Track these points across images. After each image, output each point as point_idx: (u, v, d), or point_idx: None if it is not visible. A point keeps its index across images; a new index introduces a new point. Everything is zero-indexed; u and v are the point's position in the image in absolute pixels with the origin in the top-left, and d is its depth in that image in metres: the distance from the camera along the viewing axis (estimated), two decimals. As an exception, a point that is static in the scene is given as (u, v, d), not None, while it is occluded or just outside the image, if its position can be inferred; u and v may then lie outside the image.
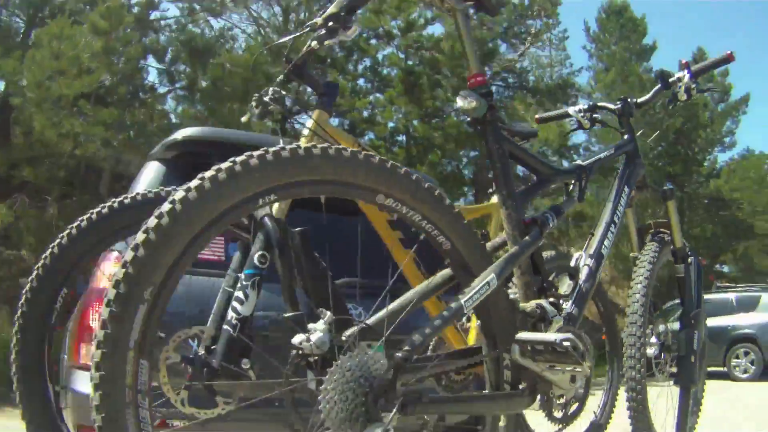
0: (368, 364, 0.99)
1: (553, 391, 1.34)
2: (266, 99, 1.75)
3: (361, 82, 15.84)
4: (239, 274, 1.52)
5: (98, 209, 1.57)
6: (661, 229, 2.22)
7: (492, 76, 17.25)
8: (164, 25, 11.59)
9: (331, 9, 1.54)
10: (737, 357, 10.67)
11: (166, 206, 0.94)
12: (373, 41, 15.91)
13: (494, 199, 2.40)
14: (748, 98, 20.73)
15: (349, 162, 1.05)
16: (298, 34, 1.69)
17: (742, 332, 10.61)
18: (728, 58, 2.06)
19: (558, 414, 1.56)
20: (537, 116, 2.56)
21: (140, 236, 0.92)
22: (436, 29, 15.64)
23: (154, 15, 11.49)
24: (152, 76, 11.92)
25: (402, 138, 15.34)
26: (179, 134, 2.51)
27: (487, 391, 1.27)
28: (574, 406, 1.58)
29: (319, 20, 1.57)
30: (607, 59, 20.73)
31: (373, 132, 14.45)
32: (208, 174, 0.98)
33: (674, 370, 2.11)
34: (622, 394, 2.03)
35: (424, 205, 1.13)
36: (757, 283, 14.14)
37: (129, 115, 10.50)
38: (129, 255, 0.91)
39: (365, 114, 14.74)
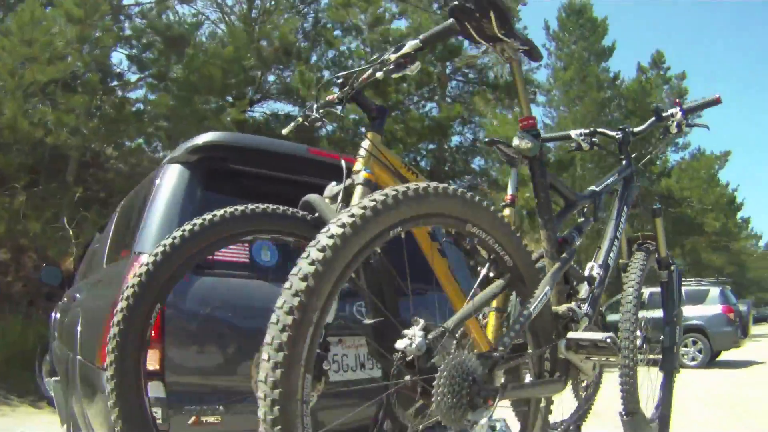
0: (467, 362, 1.26)
1: (580, 378, 1.67)
2: (317, 115, 1.92)
3: (326, 74, 15.74)
4: None
5: (189, 226, 1.59)
6: (648, 241, 2.57)
7: (453, 71, 17.54)
8: (137, 12, 11.42)
9: (406, 49, 1.68)
10: (686, 346, 11.36)
11: (327, 240, 1.09)
12: (337, 33, 15.94)
13: (506, 211, 2.69)
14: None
15: (451, 197, 1.30)
16: (367, 66, 1.81)
17: (691, 323, 11.23)
18: (716, 101, 2.40)
19: (582, 395, 1.90)
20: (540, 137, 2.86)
21: (308, 267, 1.06)
22: (401, 23, 15.78)
23: (127, 0, 11.33)
24: (123, 64, 11.70)
25: (363, 130, 15.35)
26: (200, 139, 2.52)
27: (532, 379, 1.58)
28: (591, 389, 1.90)
29: (392, 57, 1.71)
30: (565, 58, 21.29)
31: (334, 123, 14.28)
32: (357, 211, 1.15)
33: (651, 356, 2.47)
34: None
35: (497, 231, 1.42)
36: (704, 276, 15.02)
37: (95, 102, 10.35)
38: (300, 285, 1.05)
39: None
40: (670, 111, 2.44)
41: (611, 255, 2.07)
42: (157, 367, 2.12)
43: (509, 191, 2.75)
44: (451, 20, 1.60)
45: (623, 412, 2.20)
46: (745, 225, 29.56)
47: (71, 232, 9.33)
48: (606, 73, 20.91)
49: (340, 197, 1.71)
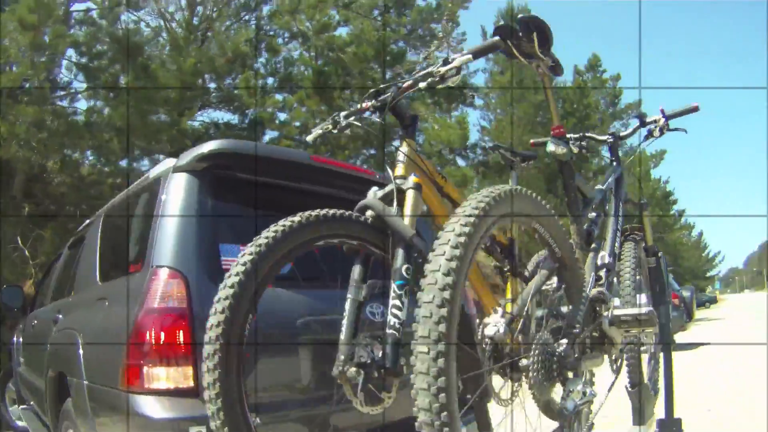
0: (550, 340, 1.46)
1: (611, 352, 1.93)
2: (349, 121, 1.98)
3: (270, 81, 15.51)
4: (362, 285, 1.67)
5: (272, 233, 1.57)
6: (635, 232, 2.87)
7: (394, 77, 17.77)
8: (87, 19, 11.11)
9: (455, 63, 1.73)
10: (633, 331, 12.02)
11: (457, 239, 1.25)
12: (279, 40, 15.85)
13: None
14: (639, 104, 21.68)
15: (527, 198, 1.52)
16: (412, 79, 1.86)
17: (637, 310, 11.93)
18: (695, 108, 2.73)
19: (614, 367, 2.16)
20: (531, 141, 3.10)
21: (448, 264, 1.20)
22: (343, 30, 15.85)
23: (76, 6, 11.02)
24: (71, 73, 11.32)
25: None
26: (205, 147, 2.46)
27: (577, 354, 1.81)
28: (619, 362, 2.16)
29: (442, 69, 1.75)
30: (502, 62, 21.74)
31: (278, 131, 13.93)
32: (472, 211, 1.30)
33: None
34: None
35: (553, 227, 1.66)
36: (643, 267, 15.85)
37: (43, 113, 10.00)
38: (446, 279, 1.18)
39: (269, 111, 14.14)
40: (653, 117, 2.75)
41: (616, 245, 2.35)
42: (192, 384, 2.07)
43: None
44: (497, 38, 1.75)
45: (629, 385, 2.49)
46: (679, 217, 31.29)
47: (27, 252, 8.95)
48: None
49: (395, 202, 1.77)
